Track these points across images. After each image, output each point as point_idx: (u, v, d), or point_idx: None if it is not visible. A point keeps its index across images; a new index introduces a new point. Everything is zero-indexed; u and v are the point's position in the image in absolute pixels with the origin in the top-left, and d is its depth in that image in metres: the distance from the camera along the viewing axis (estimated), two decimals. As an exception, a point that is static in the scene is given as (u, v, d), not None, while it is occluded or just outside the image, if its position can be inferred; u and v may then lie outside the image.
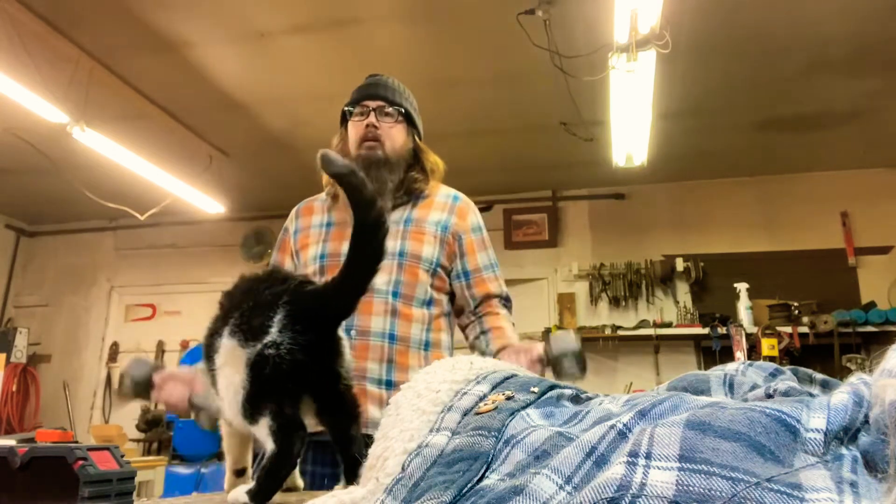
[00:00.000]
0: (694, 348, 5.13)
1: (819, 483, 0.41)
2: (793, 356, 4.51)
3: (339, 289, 0.89)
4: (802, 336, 4.56)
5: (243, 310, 0.89)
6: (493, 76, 3.89)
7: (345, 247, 1.62)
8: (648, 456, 0.45)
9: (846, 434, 0.45)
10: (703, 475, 0.42)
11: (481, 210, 1.81)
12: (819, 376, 0.61)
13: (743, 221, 5.29)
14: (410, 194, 1.70)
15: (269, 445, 0.85)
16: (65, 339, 6.27)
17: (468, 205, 1.76)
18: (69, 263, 6.41)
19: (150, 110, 4.19)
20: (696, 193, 5.43)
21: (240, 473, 0.99)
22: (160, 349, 6.06)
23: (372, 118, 1.65)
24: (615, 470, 0.45)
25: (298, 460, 0.87)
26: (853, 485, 0.41)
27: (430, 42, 3.59)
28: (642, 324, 5.07)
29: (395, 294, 1.59)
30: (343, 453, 0.92)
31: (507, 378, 0.76)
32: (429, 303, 1.63)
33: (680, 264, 5.20)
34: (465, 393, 0.73)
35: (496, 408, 0.67)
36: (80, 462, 0.77)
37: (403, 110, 1.69)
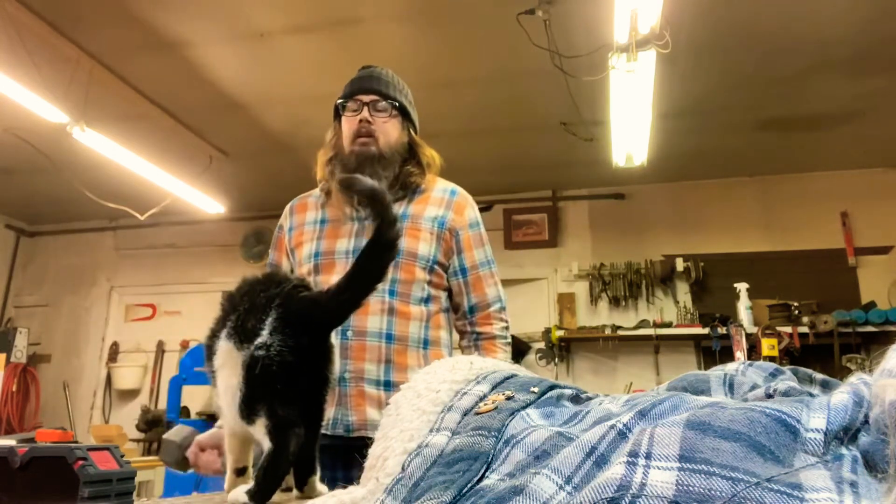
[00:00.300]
0: (694, 348, 5.13)
1: (819, 483, 0.41)
2: (793, 356, 4.51)
3: (335, 299, 0.91)
4: (802, 336, 4.56)
5: (239, 312, 0.91)
6: (493, 76, 3.89)
7: (339, 244, 1.64)
8: (648, 456, 0.45)
9: (846, 434, 0.45)
10: (703, 475, 0.42)
11: (481, 210, 1.78)
12: (819, 376, 0.61)
13: (743, 221, 5.29)
14: (406, 189, 1.67)
15: (265, 445, 0.85)
16: (65, 339, 6.26)
17: (465, 199, 1.73)
18: (69, 263, 6.41)
19: (150, 110, 4.19)
20: (696, 193, 5.43)
21: (240, 473, 0.99)
22: (160, 349, 6.06)
23: (365, 113, 1.62)
24: (615, 470, 0.45)
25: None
26: (853, 485, 0.41)
27: (431, 42, 3.59)
28: (642, 324, 5.07)
29: (391, 292, 1.56)
30: (296, 464, 0.93)
31: (508, 378, 0.76)
32: (426, 300, 1.61)
33: (680, 264, 5.20)
34: (465, 393, 0.73)
35: (496, 408, 0.67)
36: (80, 462, 0.77)
37: (398, 104, 1.66)
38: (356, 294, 0.91)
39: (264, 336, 0.86)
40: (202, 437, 1.35)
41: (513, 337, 1.78)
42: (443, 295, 1.67)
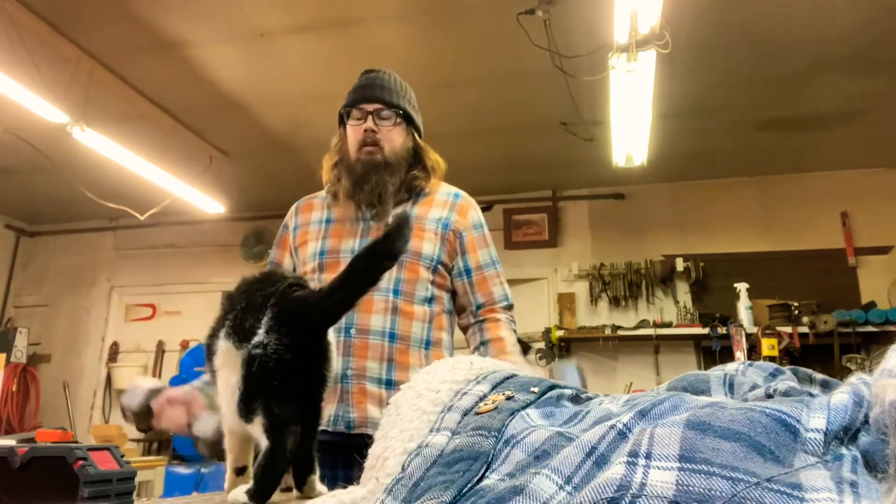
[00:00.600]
0: (694, 348, 5.13)
1: (819, 483, 0.41)
2: (793, 356, 4.51)
3: (327, 299, 0.91)
4: (802, 336, 4.56)
5: (237, 312, 0.91)
6: (493, 76, 3.89)
7: (344, 244, 1.64)
8: (648, 456, 0.44)
9: (846, 434, 0.45)
10: (703, 475, 0.42)
11: (482, 210, 1.80)
12: (819, 376, 0.61)
13: (743, 221, 5.29)
14: (411, 192, 1.69)
15: (263, 443, 0.86)
16: (65, 339, 6.26)
17: (469, 202, 1.75)
18: (69, 263, 6.41)
19: (150, 110, 4.19)
20: (696, 193, 5.43)
21: (240, 472, 0.99)
22: (160, 349, 6.06)
23: (370, 122, 1.63)
24: (615, 470, 0.45)
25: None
26: (853, 485, 0.41)
27: (431, 42, 3.59)
28: (642, 324, 5.07)
29: (395, 292, 1.58)
30: (295, 463, 0.93)
31: (508, 378, 0.76)
32: (430, 300, 1.63)
33: (680, 264, 5.20)
34: (465, 393, 0.73)
35: (496, 408, 0.67)
36: (80, 462, 0.77)
37: (402, 111, 1.67)
38: (349, 295, 0.91)
39: (261, 335, 0.86)
40: (173, 392, 1.30)
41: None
42: (445, 296, 1.68)
